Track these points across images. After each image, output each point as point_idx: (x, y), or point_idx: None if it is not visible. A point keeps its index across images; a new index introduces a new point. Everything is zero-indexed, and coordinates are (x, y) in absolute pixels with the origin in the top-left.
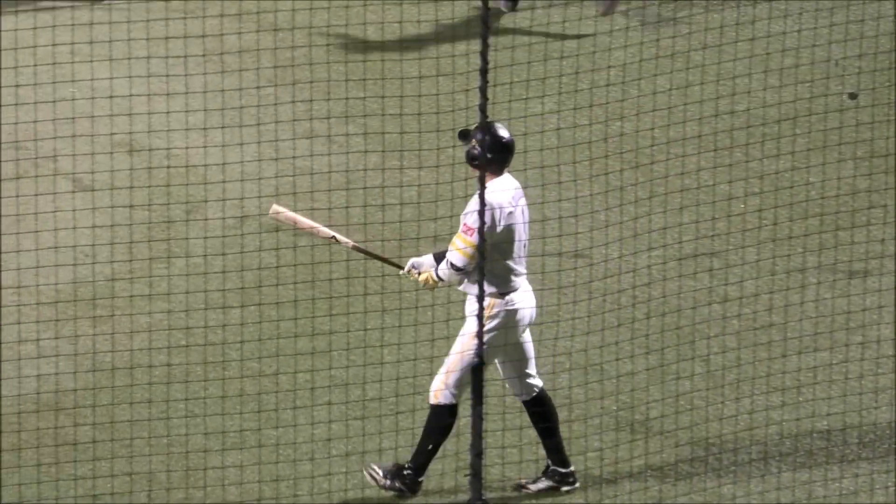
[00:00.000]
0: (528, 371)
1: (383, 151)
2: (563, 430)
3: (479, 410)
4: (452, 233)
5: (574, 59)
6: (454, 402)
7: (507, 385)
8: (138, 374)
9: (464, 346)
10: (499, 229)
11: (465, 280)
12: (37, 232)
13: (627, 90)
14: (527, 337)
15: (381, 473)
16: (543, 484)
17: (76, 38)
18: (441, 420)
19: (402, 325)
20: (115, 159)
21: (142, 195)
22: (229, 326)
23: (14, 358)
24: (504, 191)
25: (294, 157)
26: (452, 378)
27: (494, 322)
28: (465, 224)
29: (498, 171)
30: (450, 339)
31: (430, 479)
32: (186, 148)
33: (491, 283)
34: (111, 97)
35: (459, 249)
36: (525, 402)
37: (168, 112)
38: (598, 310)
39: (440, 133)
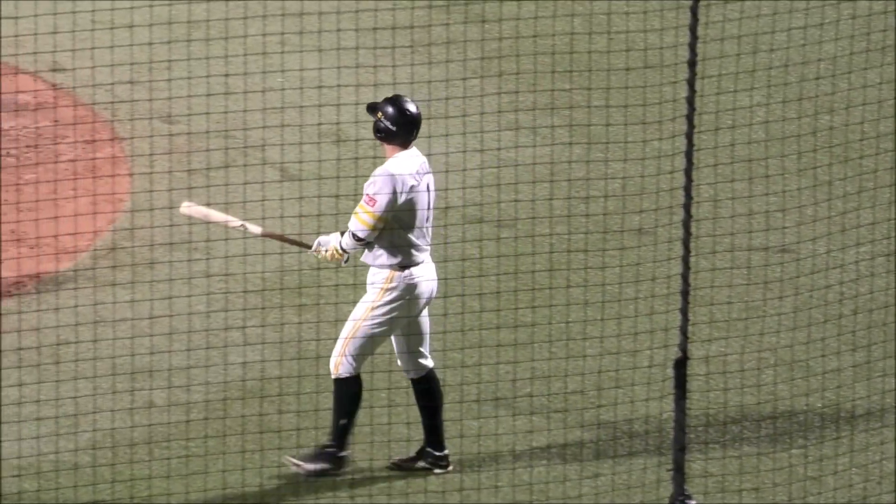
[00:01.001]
0: (421, 349)
1: (588, 143)
2: (768, 426)
3: (683, 405)
4: (657, 226)
5: (784, 52)
6: (355, 373)
7: (398, 360)
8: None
9: (360, 315)
10: (400, 201)
11: (367, 251)
12: (245, 220)
13: (837, 84)
14: (425, 314)
15: (301, 462)
16: (417, 464)
17: (286, 28)
18: (347, 391)
19: (605, 319)
20: (322, 149)
21: (348, 185)
22: (431, 317)
23: (221, 345)
24: (408, 164)
25: (499, 149)
26: (350, 348)
27: (393, 294)
28: (366, 195)
29: (404, 145)
30: (652, 333)
31: (630, 473)
32: None
33: (392, 256)
34: (319, 87)
35: (361, 220)
36: (413, 380)
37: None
38: (804, 305)
39: (646, 125)
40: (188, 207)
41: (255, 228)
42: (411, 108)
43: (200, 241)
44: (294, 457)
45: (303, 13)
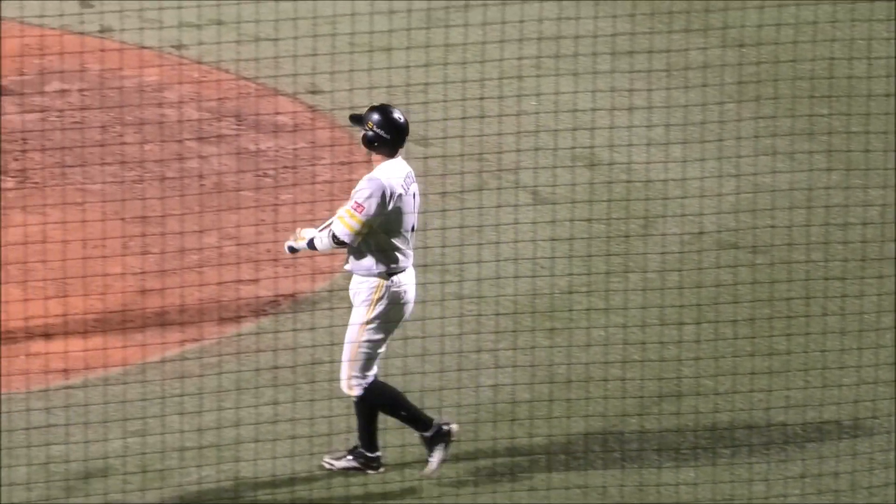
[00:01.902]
0: (367, 367)
1: (847, 170)
2: None
3: None
4: None
5: None
6: (368, 380)
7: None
8: (592, 387)
9: (355, 337)
10: (389, 208)
11: (352, 258)
12: (497, 243)
13: None
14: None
15: (334, 462)
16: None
17: (542, 52)
18: (376, 399)
19: (862, 348)
20: (575, 172)
21: (600, 209)
22: (684, 343)
23: (472, 367)
24: (396, 172)
25: (755, 174)
26: (356, 369)
27: (382, 306)
28: (355, 201)
29: (390, 154)
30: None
31: None
32: (647, 163)
33: (378, 262)
34: (574, 111)
35: (347, 224)
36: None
37: (629, 126)
38: None
39: None
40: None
41: None
42: (399, 116)
43: (453, 263)
44: (327, 455)
45: (559, 37)
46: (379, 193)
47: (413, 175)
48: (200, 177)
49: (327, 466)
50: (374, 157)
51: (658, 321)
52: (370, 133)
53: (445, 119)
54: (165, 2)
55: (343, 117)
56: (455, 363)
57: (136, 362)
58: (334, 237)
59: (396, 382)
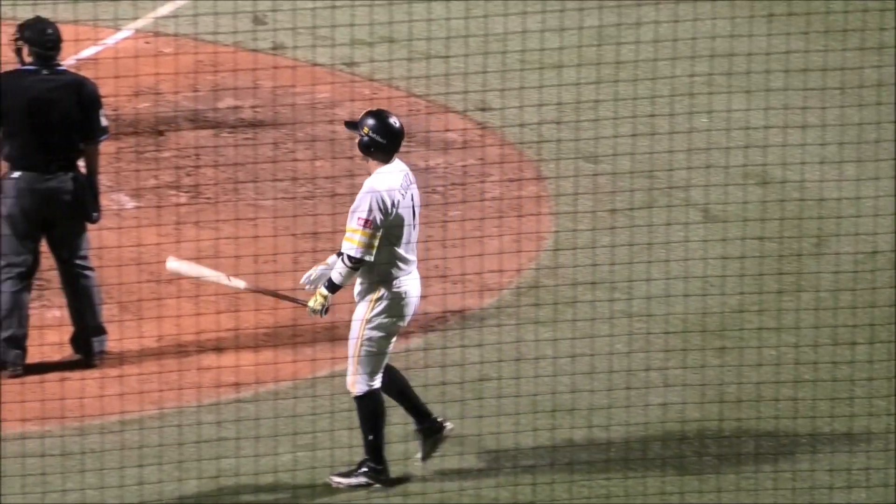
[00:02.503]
0: (375, 368)
1: None
2: None
3: None
4: None
5: None
6: (373, 385)
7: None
8: (763, 407)
9: (357, 333)
10: (391, 217)
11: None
12: (667, 261)
13: None
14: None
15: (341, 479)
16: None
17: (714, 69)
18: (368, 407)
19: None
20: (746, 190)
21: (772, 227)
22: (857, 363)
23: (641, 386)
24: (393, 178)
25: None
26: (361, 367)
27: (384, 304)
28: (358, 217)
29: (386, 159)
30: None
31: None
32: (820, 181)
33: (380, 271)
34: (746, 128)
35: (358, 242)
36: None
37: (802, 144)
38: None
39: None
40: (175, 263)
41: (238, 283)
42: (395, 121)
43: (622, 280)
44: (335, 474)
45: (731, 54)
46: (380, 204)
47: (411, 176)
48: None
49: (334, 484)
50: (371, 162)
51: (830, 341)
52: (366, 138)
53: (615, 136)
54: (338, 19)
55: (513, 134)
56: (624, 381)
57: (307, 376)
58: (349, 259)
59: (566, 401)
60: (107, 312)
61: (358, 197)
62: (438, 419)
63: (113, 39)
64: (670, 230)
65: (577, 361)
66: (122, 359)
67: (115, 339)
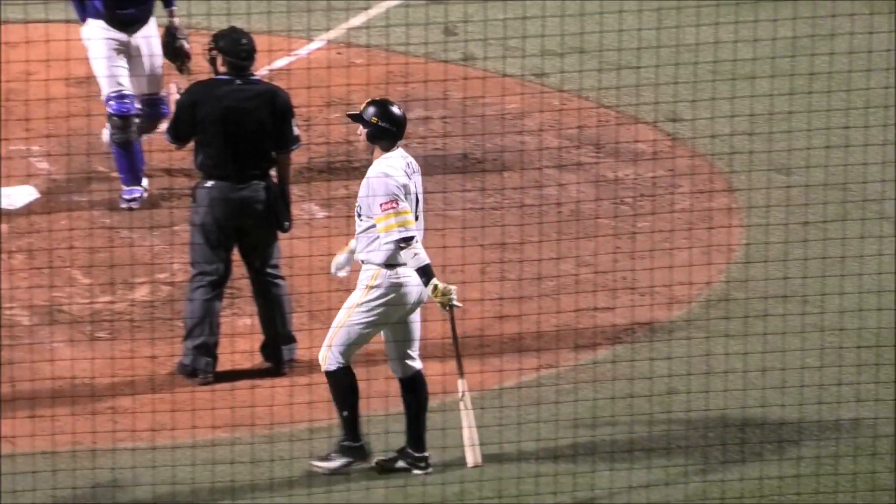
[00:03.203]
0: (409, 352)
1: None
2: None
3: None
4: None
5: None
6: (344, 362)
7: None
8: None
9: (345, 319)
10: (409, 197)
11: (364, 248)
12: (860, 275)
13: None
14: (415, 317)
15: (320, 463)
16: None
17: None
18: (340, 383)
19: None
20: None
21: None
22: None
23: (833, 401)
24: (398, 164)
25: None
26: (336, 339)
27: (378, 292)
28: (382, 202)
29: (390, 147)
30: None
31: None
32: None
33: (381, 253)
34: None
35: (392, 224)
36: (400, 380)
37: None
38: None
39: None
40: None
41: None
42: (397, 109)
43: (814, 294)
44: (314, 458)
45: None
46: (395, 182)
47: (415, 165)
48: (558, 204)
49: (318, 470)
50: (376, 150)
51: None
52: (373, 126)
53: (808, 148)
54: (529, 30)
55: (704, 145)
56: (815, 396)
57: (493, 387)
58: (399, 242)
59: (755, 414)
60: (297, 321)
61: (370, 184)
62: (427, 460)
63: (305, 50)
64: (864, 243)
65: (767, 375)
66: (311, 367)
67: (304, 348)
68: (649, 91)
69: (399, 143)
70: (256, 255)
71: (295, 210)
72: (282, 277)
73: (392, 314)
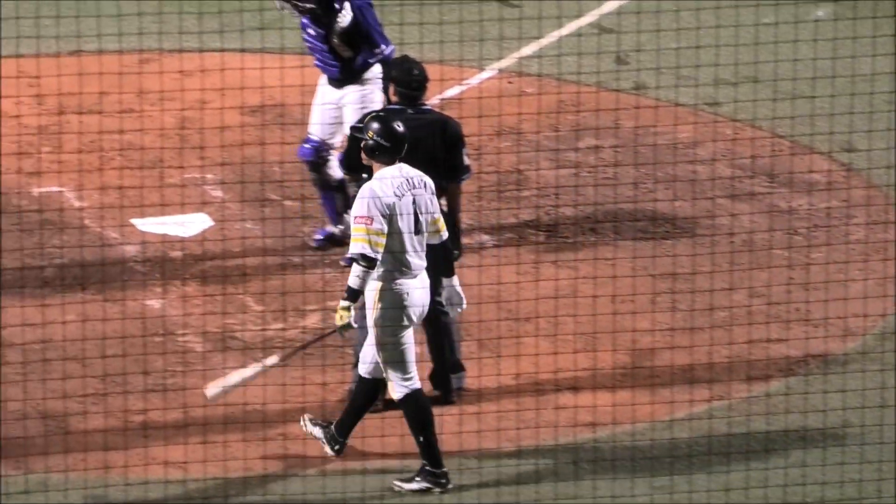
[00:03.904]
0: (403, 370)
1: None
2: None
3: None
4: None
5: None
6: (410, 387)
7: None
8: None
9: (373, 338)
10: (389, 214)
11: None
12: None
13: None
14: (409, 338)
15: (403, 484)
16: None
17: None
18: (411, 409)
19: None
20: None
21: None
22: None
23: None
24: (388, 180)
25: None
26: (393, 372)
27: (383, 305)
28: (356, 216)
29: (390, 162)
30: None
31: None
32: None
33: (380, 267)
34: None
35: (358, 239)
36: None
37: None
38: None
39: None
40: (212, 390)
41: (272, 360)
42: (398, 126)
43: None
44: (398, 479)
45: None
46: (374, 202)
47: (418, 181)
48: (731, 234)
49: (396, 489)
50: (375, 165)
51: None
52: (371, 142)
53: None
54: (702, 59)
55: (879, 175)
56: None
57: (664, 418)
58: (360, 258)
59: None
60: (465, 349)
61: (357, 199)
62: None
63: (477, 79)
64: None
65: None
66: (480, 396)
67: (473, 377)
68: (824, 121)
69: (399, 158)
70: None
71: (465, 239)
72: None
73: (402, 321)
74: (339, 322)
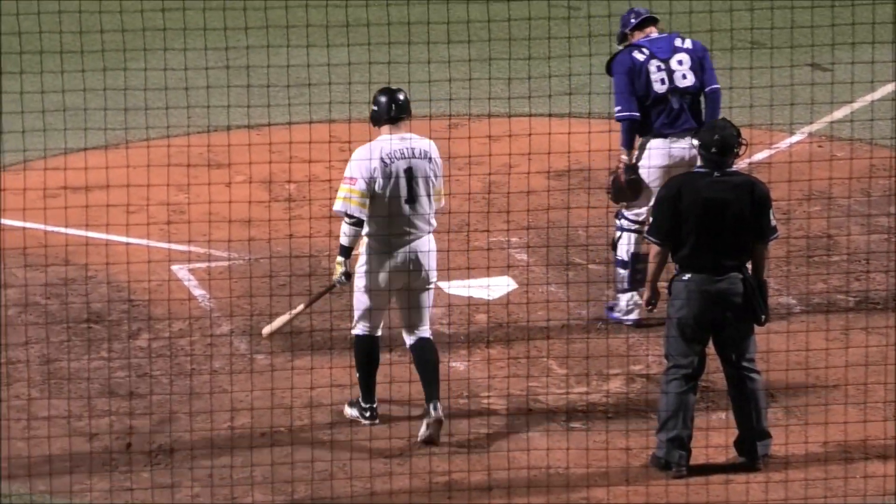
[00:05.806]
0: (414, 322)
1: None
2: None
3: None
4: None
5: None
6: (367, 332)
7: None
8: None
9: (356, 285)
10: (375, 176)
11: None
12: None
13: None
14: (384, 298)
15: (346, 407)
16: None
17: None
18: (361, 349)
19: None
20: None
21: None
22: None
23: None
24: (383, 144)
25: None
26: (356, 312)
27: (364, 258)
28: (344, 176)
29: (390, 129)
30: None
31: None
32: None
33: (367, 226)
34: None
35: (340, 196)
36: (410, 346)
37: None
38: None
39: None
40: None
41: (298, 309)
42: (389, 91)
43: None
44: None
45: None
46: (361, 164)
47: (419, 152)
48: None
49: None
50: (374, 131)
51: None
52: (372, 109)
53: None
54: None
55: None
56: None
57: None
58: (345, 216)
59: None
60: (772, 416)
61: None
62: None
63: (786, 143)
64: None
65: None
66: (786, 463)
67: (779, 444)
68: None
69: (402, 125)
70: (732, 349)
71: (772, 303)
72: (757, 372)
73: (382, 280)
74: (335, 277)
